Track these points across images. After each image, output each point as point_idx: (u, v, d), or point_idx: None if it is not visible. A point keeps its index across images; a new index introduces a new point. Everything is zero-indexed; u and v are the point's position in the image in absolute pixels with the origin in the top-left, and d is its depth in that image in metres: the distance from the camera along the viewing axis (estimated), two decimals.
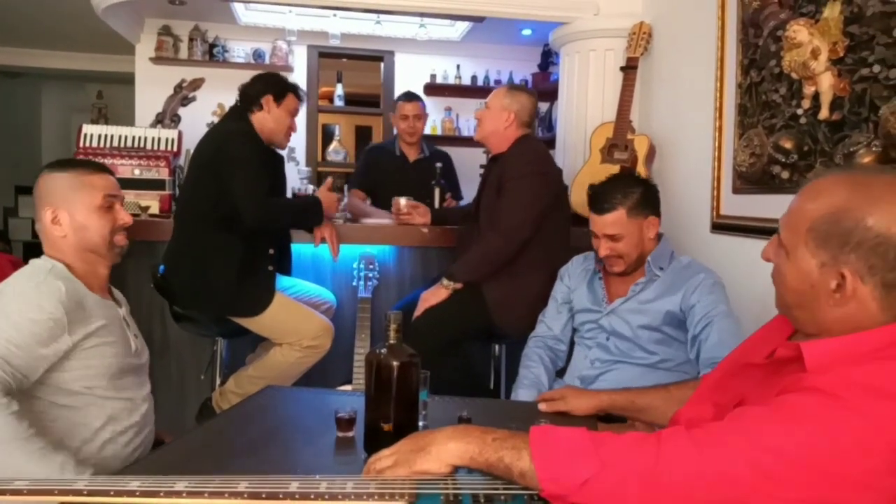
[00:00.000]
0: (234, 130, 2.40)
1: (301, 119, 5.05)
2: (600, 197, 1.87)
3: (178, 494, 0.93)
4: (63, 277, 1.43)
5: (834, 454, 0.80)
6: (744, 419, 0.88)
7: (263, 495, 0.94)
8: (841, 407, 0.82)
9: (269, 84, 2.46)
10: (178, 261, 2.37)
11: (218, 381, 2.52)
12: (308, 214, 2.48)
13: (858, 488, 0.80)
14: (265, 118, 2.43)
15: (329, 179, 2.68)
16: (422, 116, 3.46)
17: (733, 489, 0.83)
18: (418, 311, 2.35)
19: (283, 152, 2.88)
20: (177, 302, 2.38)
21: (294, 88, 2.51)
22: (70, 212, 1.48)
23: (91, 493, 0.93)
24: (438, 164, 3.21)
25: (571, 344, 2.06)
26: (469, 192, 3.15)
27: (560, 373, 2.04)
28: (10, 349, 1.30)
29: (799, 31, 1.92)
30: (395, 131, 3.64)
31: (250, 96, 2.44)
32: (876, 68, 1.68)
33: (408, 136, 3.43)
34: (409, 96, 3.47)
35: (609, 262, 1.89)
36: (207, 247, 2.30)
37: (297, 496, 0.94)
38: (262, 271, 2.36)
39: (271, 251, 2.39)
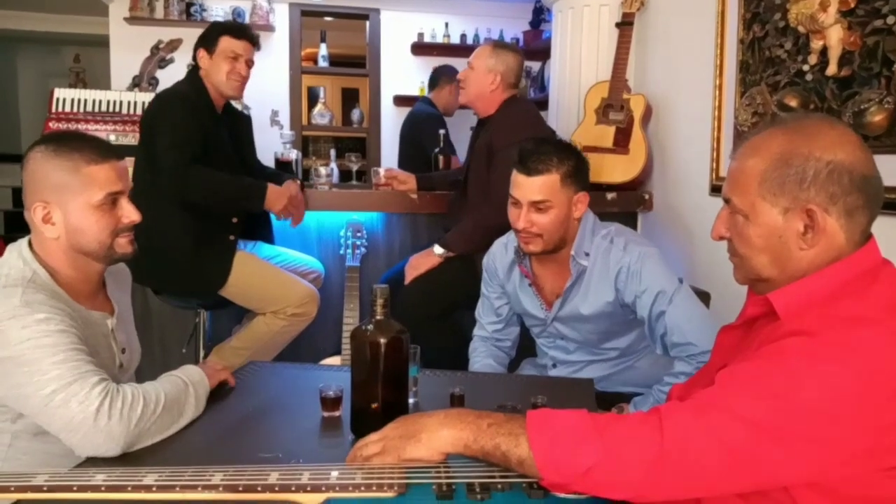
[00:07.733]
0: (165, 93, 2.29)
1: (285, 81, 4.95)
2: (533, 157, 1.62)
3: (147, 489, 0.86)
4: (41, 295, 1.19)
5: (828, 391, 0.78)
6: (734, 378, 0.85)
7: (240, 488, 0.87)
8: (824, 343, 0.81)
9: (201, 38, 2.33)
10: (136, 231, 2.24)
11: (202, 355, 2.45)
12: (242, 199, 2.25)
13: (857, 427, 0.78)
14: (206, 74, 2.30)
15: (299, 181, 2.39)
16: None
17: (741, 453, 0.80)
18: (408, 278, 2.28)
19: (251, 112, 2.75)
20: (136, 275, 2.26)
21: (228, 29, 2.33)
22: (64, 210, 1.24)
23: (52, 490, 0.86)
24: (442, 131, 3.05)
25: (524, 333, 1.95)
26: (461, 154, 3.04)
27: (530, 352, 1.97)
28: None
29: None
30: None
31: (193, 57, 2.34)
32: (890, 20, 1.58)
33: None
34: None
35: (524, 238, 1.66)
36: (161, 215, 2.13)
37: (276, 488, 0.87)
38: (223, 241, 2.23)
39: (234, 219, 2.25)
